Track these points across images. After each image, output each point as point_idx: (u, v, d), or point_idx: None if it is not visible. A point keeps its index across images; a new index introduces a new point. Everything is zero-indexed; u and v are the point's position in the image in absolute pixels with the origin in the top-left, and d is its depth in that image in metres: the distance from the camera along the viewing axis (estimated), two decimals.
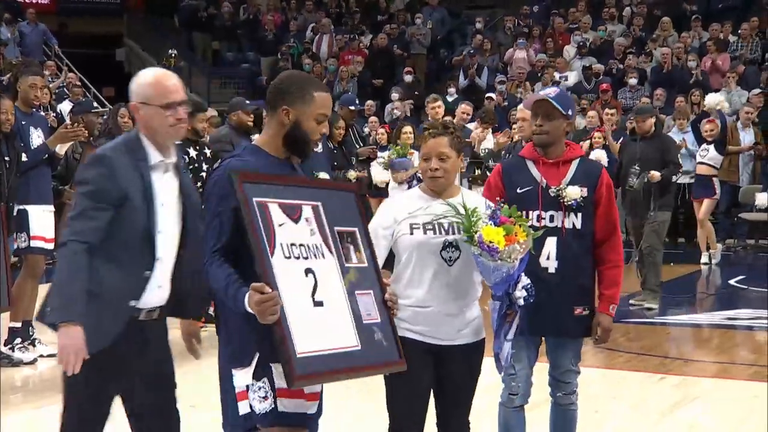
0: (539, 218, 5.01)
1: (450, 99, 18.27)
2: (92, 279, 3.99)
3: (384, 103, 20.51)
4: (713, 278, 14.50)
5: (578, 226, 5.06)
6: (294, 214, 3.82)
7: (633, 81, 19.20)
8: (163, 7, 27.20)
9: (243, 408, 3.96)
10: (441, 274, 4.55)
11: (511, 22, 23.31)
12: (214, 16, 25.74)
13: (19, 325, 8.84)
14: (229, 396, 4.52)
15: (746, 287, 13.45)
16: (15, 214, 8.63)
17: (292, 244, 3.76)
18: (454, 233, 4.55)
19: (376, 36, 23.16)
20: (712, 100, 16.15)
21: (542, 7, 23.66)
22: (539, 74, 20.40)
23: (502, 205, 4.53)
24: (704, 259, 15.04)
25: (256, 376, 3.91)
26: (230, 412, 4.58)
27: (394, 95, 19.85)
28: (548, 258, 5.02)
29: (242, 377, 3.95)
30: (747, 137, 16.53)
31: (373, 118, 17.16)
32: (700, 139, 15.16)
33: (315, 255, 3.85)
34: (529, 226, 4.67)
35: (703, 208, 14.71)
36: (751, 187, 16.34)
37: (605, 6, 22.44)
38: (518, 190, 5.04)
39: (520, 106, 9.72)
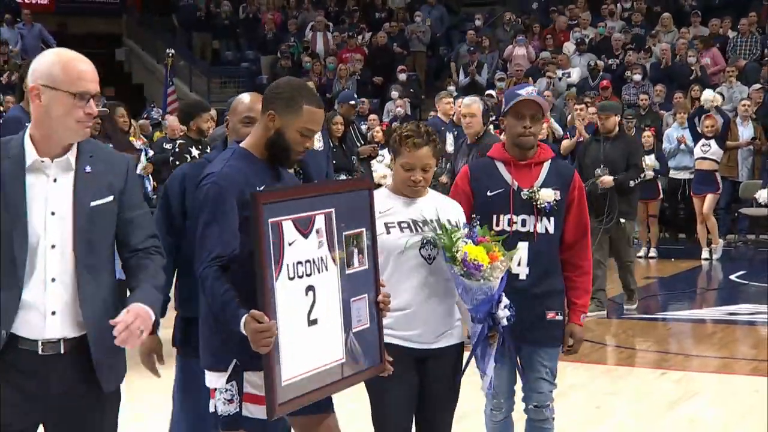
0: (510, 222, 4.82)
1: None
2: None
3: (384, 101, 20.52)
4: (714, 273, 14.51)
5: (551, 230, 4.87)
6: (306, 228, 3.71)
7: (637, 77, 19.13)
8: (162, 6, 27.22)
9: (211, 406, 3.97)
10: (422, 273, 4.39)
11: (511, 16, 23.28)
12: (214, 15, 25.73)
13: None
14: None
15: (747, 282, 13.42)
16: None
17: (299, 262, 3.65)
18: (430, 229, 4.38)
19: (375, 34, 23.16)
20: (707, 97, 16.04)
21: (541, 3, 23.66)
22: (542, 71, 20.38)
23: (477, 223, 4.41)
24: (705, 254, 15.04)
25: (229, 379, 3.89)
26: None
27: (394, 93, 19.85)
28: (519, 264, 4.80)
29: (215, 380, 3.93)
30: (746, 132, 16.51)
31: (372, 116, 17.18)
32: (696, 135, 15.18)
33: (319, 269, 3.75)
34: (500, 231, 4.61)
35: (706, 203, 14.73)
36: (751, 183, 16.33)
37: (604, 3, 22.43)
38: (488, 193, 4.83)
39: (466, 101, 9.15)
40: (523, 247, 4.78)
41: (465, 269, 4.24)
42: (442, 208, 4.49)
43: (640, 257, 15.24)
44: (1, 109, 12.37)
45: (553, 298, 4.94)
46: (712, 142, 14.67)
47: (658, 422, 7.06)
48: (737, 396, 7.76)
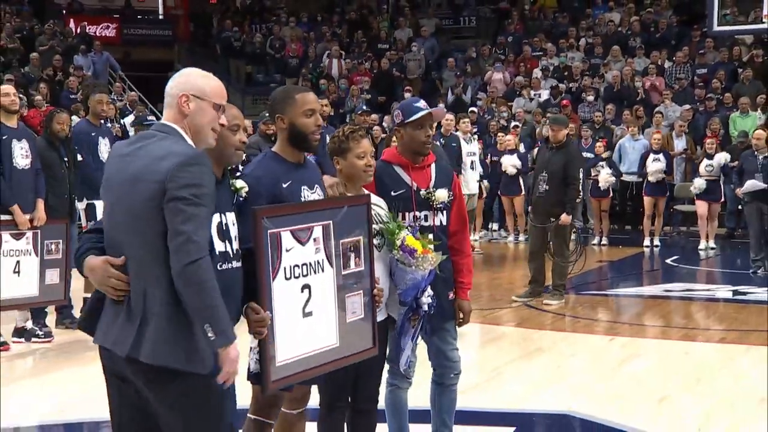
0: (415, 218, 4.61)
1: None
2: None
3: (386, 115, 20.49)
4: (653, 258, 14.51)
5: (444, 222, 4.70)
6: (304, 237, 3.65)
7: (590, 98, 19.19)
8: (206, 38, 27.26)
9: (246, 364, 3.90)
10: (376, 259, 4.12)
11: (490, 48, 23.25)
12: (248, 45, 25.75)
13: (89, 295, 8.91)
14: None
15: (679, 265, 13.49)
16: (85, 207, 8.71)
17: (296, 266, 3.59)
18: (376, 223, 4.20)
19: (379, 61, 23.13)
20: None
21: (515, 38, 23.61)
22: (518, 92, 20.38)
23: (417, 228, 4.36)
24: (646, 242, 15.08)
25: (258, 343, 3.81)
26: None
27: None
28: None
29: (250, 341, 3.86)
30: (680, 144, 16.66)
31: (377, 128, 17.16)
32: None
33: (315, 271, 3.69)
34: (409, 225, 4.44)
35: (660, 204, 14.97)
36: (684, 184, 16.40)
37: (568, 37, 22.38)
38: (392, 193, 4.59)
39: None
40: (427, 235, 4.57)
41: (401, 253, 4.19)
42: (379, 203, 4.37)
43: (594, 245, 15.31)
44: (76, 118, 12.28)
45: (450, 280, 4.77)
46: (661, 155, 14.75)
47: (608, 379, 7.07)
48: (671, 357, 7.78)
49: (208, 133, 3.34)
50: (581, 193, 10.05)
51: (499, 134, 16.56)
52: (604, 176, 14.94)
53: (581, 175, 10.10)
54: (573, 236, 10.23)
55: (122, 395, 3.28)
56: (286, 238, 3.57)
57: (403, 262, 4.22)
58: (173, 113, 3.32)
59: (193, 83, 3.33)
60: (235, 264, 3.50)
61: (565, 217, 9.82)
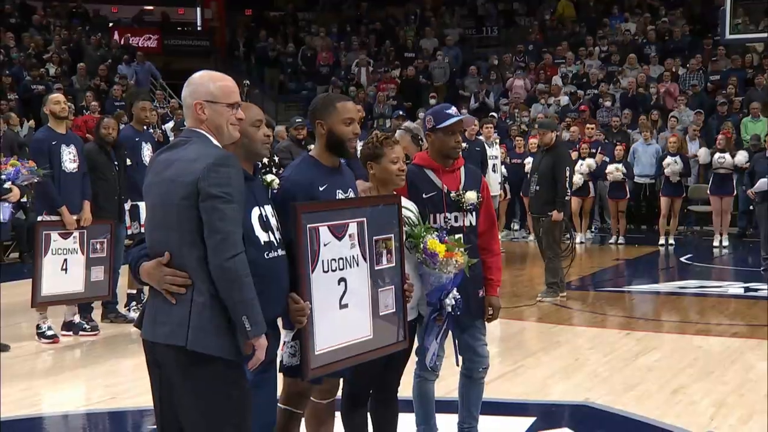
0: (446, 220, 4.62)
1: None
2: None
3: (413, 121, 20.48)
4: (668, 256, 14.45)
5: (474, 223, 4.70)
6: (340, 232, 3.67)
7: (608, 104, 19.13)
8: (241, 48, 27.41)
9: (279, 356, 3.90)
10: (408, 260, 4.14)
11: (512, 56, 23.20)
12: (281, 55, 25.86)
13: (134, 292, 9.02)
14: None
15: (693, 263, 13.41)
16: (129, 208, 8.79)
17: (333, 259, 3.62)
18: (405, 225, 4.18)
19: (406, 69, 23.15)
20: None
21: (535, 46, 23.55)
22: (539, 98, 20.34)
23: (445, 231, 4.36)
24: (662, 241, 15.01)
25: (293, 337, 3.88)
26: None
27: (421, 115, 19.80)
28: None
29: (285, 334, 3.91)
30: (693, 147, 16.58)
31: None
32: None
33: (350, 265, 3.71)
34: (437, 227, 4.43)
35: (675, 205, 14.98)
36: (697, 186, 16.33)
37: (586, 45, 22.29)
38: (424, 196, 4.58)
39: (396, 136, 8.48)
40: (458, 238, 4.55)
41: (423, 256, 4.18)
42: (409, 206, 4.38)
43: (611, 243, 15.27)
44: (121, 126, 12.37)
45: (480, 278, 4.77)
46: (677, 158, 14.68)
47: (623, 370, 7.06)
48: (684, 351, 7.74)
49: (230, 130, 3.40)
50: (568, 190, 9.91)
51: (517, 138, 16.55)
52: (611, 169, 15.04)
53: (568, 173, 9.93)
54: (565, 234, 10.11)
55: (163, 386, 3.33)
56: (324, 233, 3.61)
57: (426, 265, 4.23)
58: (193, 120, 3.38)
59: (203, 90, 3.37)
60: (281, 252, 3.55)
61: (556, 214, 9.72)
